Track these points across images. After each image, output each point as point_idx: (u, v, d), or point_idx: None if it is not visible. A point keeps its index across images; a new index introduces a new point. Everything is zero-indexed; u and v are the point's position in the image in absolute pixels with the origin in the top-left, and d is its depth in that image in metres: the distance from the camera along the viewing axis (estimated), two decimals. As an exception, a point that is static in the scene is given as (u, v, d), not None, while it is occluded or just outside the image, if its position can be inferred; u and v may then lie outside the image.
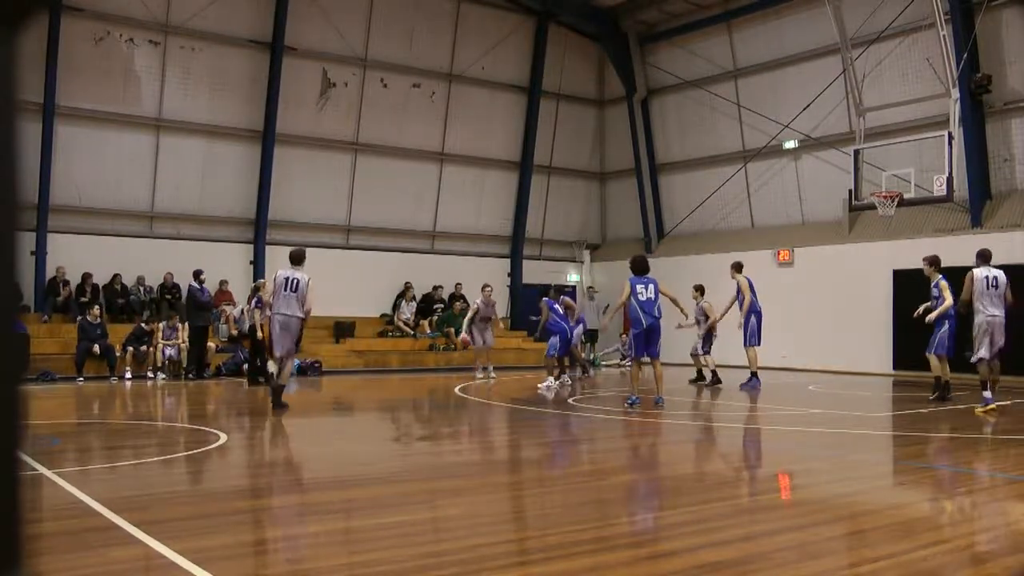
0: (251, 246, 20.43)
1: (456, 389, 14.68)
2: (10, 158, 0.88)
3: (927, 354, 12.25)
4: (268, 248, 20.32)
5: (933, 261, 12.29)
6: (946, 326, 12.03)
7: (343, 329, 20.50)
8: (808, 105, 20.07)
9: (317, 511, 5.41)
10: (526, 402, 12.78)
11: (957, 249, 15.81)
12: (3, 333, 0.89)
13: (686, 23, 23.18)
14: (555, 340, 14.99)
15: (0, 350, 0.89)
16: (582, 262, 26.09)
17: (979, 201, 17.50)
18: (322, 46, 21.01)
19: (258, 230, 20.37)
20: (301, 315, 10.82)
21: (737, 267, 15.18)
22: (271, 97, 20.12)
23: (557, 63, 24.67)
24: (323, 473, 7.16)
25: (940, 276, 12.14)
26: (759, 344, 14.86)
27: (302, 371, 17.88)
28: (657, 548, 4.48)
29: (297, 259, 11.02)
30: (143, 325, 17.04)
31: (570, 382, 15.49)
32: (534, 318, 19.66)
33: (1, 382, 0.89)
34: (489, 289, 17.46)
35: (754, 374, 14.74)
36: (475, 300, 17.58)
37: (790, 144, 21.20)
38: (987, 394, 10.63)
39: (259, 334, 15.37)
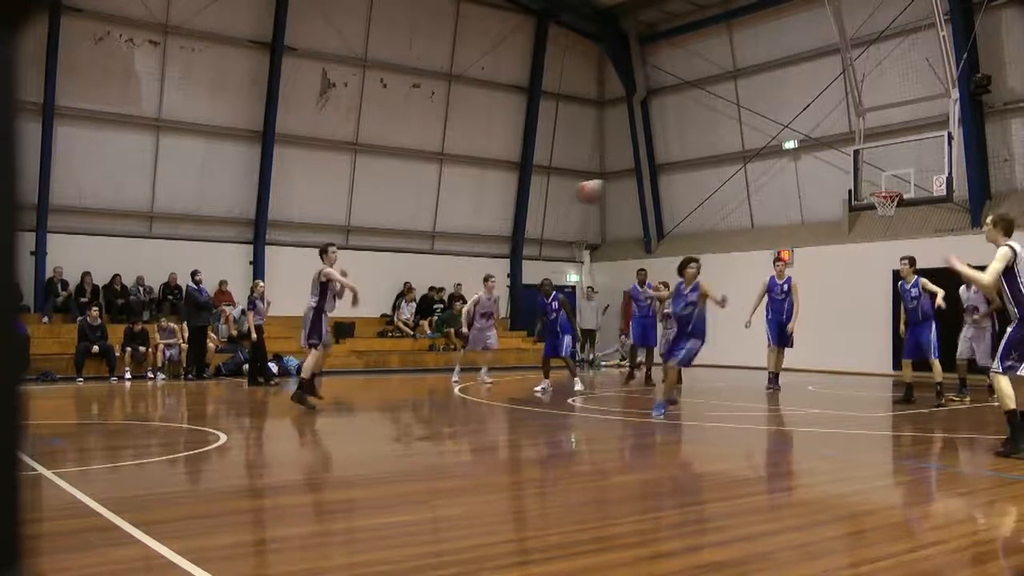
0: (251, 246, 20.42)
1: (456, 390, 14.67)
2: (10, 158, 0.88)
3: (932, 359, 11.95)
4: (268, 248, 20.32)
5: (912, 261, 12.13)
6: (934, 326, 12.02)
7: (343, 329, 20.48)
8: (808, 105, 20.05)
9: (317, 511, 5.41)
10: (525, 402, 12.77)
11: (957, 249, 15.73)
12: (3, 334, 0.89)
13: (686, 23, 23.17)
14: (568, 339, 14.65)
15: (0, 351, 0.89)
16: (582, 262, 26.08)
17: (979, 201, 17.49)
18: (322, 46, 21.01)
19: (258, 230, 20.36)
20: (311, 304, 11.18)
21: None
22: (271, 97, 20.12)
23: (557, 63, 24.67)
24: (323, 473, 7.16)
25: (917, 276, 11.96)
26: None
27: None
28: (657, 548, 4.48)
29: (319, 253, 11.36)
30: (131, 327, 17.00)
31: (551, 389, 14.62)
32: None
33: (1, 382, 0.89)
34: (492, 280, 16.05)
35: (776, 376, 14.66)
36: (477, 292, 16.08)
37: (790, 144, 21.19)
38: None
39: (252, 335, 15.50)
